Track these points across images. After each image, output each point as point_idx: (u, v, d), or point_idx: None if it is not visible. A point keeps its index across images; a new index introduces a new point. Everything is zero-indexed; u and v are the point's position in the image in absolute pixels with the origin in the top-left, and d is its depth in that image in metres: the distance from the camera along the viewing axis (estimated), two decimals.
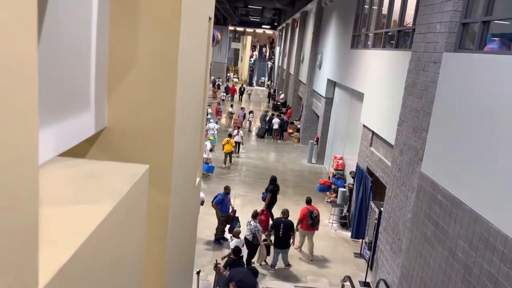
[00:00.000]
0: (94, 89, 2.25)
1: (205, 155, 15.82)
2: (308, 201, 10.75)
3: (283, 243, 9.64)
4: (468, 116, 5.87)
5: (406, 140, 7.97)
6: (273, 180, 12.19)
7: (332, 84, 17.80)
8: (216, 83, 39.36)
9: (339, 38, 16.56)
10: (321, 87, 19.20)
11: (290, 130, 24.23)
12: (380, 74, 10.86)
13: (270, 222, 10.72)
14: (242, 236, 9.55)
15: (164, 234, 2.53)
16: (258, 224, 9.63)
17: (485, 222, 5.15)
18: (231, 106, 27.35)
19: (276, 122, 23.02)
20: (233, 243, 9.25)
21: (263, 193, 12.41)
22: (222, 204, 10.71)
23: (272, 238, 9.99)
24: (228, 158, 17.38)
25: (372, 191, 10.43)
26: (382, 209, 9.28)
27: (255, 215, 9.80)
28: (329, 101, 18.01)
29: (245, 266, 9.57)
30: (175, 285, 3.30)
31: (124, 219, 1.47)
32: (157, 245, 2.57)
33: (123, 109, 2.49)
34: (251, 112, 25.44)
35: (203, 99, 4.04)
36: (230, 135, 18.16)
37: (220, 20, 44.48)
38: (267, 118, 23.97)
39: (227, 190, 11.08)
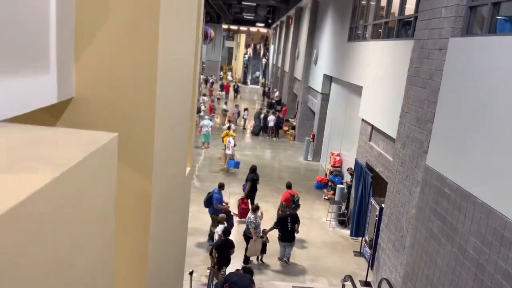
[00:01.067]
0: (54, 49, 1.82)
1: (229, 151, 15.92)
2: (289, 186, 11.25)
3: (291, 236, 9.52)
4: (479, 103, 5.49)
5: (409, 132, 7.59)
6: (253, 170, 12.16)
7: (328, 79, 17.43)
8: (210, 81, 38.89)
9: (336, 32, 16.20)
10: (317, 83, 18.83)
11: (285, 128, 23.84)
12: (379, 66, 10.48)
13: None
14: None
15: (146, 227, 2.11)
16: (253, 216, 9.33)
17: (500, 216, 4.77)
18: (225, 103, 26.92)
19: (271, 119, 22.61)
20: (219, 228, 9.04)
21: (243, 184, 12.40)
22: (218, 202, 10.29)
23: (269, 234, 9.60)
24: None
25: (372, 187, 10.05)
26: (383, 205, 8.90)
27: (255, 209, 9.59)
28: (326, 97, 17.63)
29: (243, 260, 9.33)
30: (163, 285, 2.88)
31: (73, 197, 1.05)
32: (139, 239, 2.15)
33: (93, 77, 2.06)
34: (246, 109, 25.02)
35: (193, 81, 3.61)
36: (229, 128, 18.36)
37: (214, 17, 44.01)
38: (262, 116, 23.58)
39: (222, 187, 10.66)
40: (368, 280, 8.98)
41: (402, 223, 7.66)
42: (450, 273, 5.76)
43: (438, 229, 6.23)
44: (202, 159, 17.56)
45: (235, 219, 11.15)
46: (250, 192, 11.76)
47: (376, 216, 9.19)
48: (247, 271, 7.21)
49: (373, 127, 10.69)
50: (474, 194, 5.32)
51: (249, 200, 11.70)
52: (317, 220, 12.26)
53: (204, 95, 28.49)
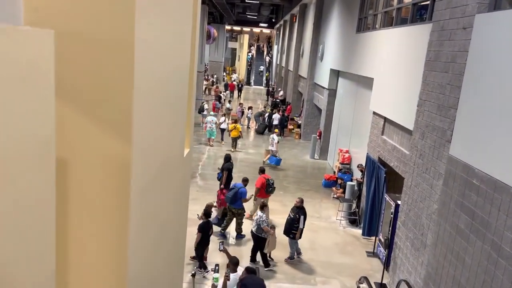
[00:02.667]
0: None
1: (273, 148, 16.22)
2: (262, 171, 11.41)
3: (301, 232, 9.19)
4: (511, 83, 4.91)
5: (429, 121, 7.01)
6: (228, 158, 11.95)
7: (335, 74, 16.86)
8: (211, 80, 38.46)
9: (343, 24, 15.63)
10: (323, 79, 18.26)
11: (290, 126, 23.25)
12: (391, 55, 9.91)
13: None
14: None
15: (125, 207, 1.55)
16: (263, 215, 8.78)
17: None
18: (229, 102, 26.39)
19: (276, 117, 22.04)
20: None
21: (218, 173, 12.10)
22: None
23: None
24: (234, 143, 18.27)
25: (386, 183, 9.45)
26: (399, 202, 8.30)
27: (262, 206, 9.05)
28: (332, 93, 17.06)
29: (250, 259, 8.84)
30: (154, 275, 2.32)
31: None
32: (115, 222, 1.59)
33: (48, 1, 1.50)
34: (250, 108, 24.48)
35: (190, 68, 3.07)
36: (235, 121, 18.95)
37: (217, 18, 43.53)
38: (266, 115, 23.03)
39: (246, 181, 10.48)
40: (383, 282, 8.37)
41: (422, 219, 7.06)
42: (482, 273, 5.15)
43: (465, 225, 5.63)
44: (206, 157, 17.02)
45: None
46: (227, 181, 11.52)
47: (391, 214, 8.59)
48: (251, 271, 6.60)
49: (385, 119, 10.10)
50: (510, 185, 4.73)
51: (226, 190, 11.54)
52: (327, 219, 11.67)
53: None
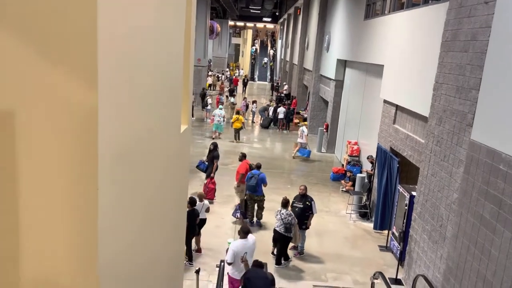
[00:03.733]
0: None
1: (302, 140, 16.10)
2: (244, 156, 11.11)
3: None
4: None
5: (447, 105, 6.56)
6: (216, 146, 11.84)
7: (342, 64, 16.39)
8: (216, 75, 38.10)
9: (350, 12, 15.15)
10: (329, 70, 17.79)
11: (296, 120, 22.79)
12: (403, 39, 9.45)
13: None
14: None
15: (92, 173, 1.15)
16: (291, 212, 8.34)
17: None
18: (233, 96, 25.97)
19: (281, 111, 21.59)
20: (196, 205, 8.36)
21: (201, 162, 11.79)
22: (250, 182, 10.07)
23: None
24: (237, 134, 18.33)
25: (399, 174, 9.01)
26: (414, 193, 7.87)
27: (285, 203, 8.41)
28: (339, 84, 16.59)
29: (276, 262, 8.41)
30: (139, 264, 1.91)
31: None
32: (79, 195, 1.19)
33: None
34: (254, 102, 24.06)
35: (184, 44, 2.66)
36: (238, 112, 18.96)
37: (220, 13, 43.05)
38: (271, 109, 22.61)
39: (260, 167, 10.43)
40: (398, 277, 7.94)
41: (440, 210, 6.62)
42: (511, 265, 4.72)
43: (491, 215, 5.19)
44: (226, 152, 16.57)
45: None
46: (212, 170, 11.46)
47: (406, 206, 8.15)
48: (259, 265, 6.22)
49: (397, 107, 9.65)
50: None
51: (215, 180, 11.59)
52: (336, 213, 11.24)
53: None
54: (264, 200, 10.17)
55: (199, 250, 8.46)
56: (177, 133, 2.34)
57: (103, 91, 1.15)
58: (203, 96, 23.95)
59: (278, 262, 8.34)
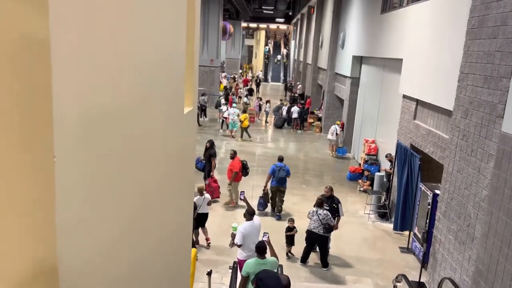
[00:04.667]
0: None
1: (333, 137, 16.04)
2: (235, 153, 11.01)
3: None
4: None
5: (473, 96, 6.14)
6: (212, 144, 11.68)
7: (358, 61, 15.97)
8: (233, 75, 37.95)
9: (366, 7, 14.74)
10: (345, 68, 17.38)
11: (310, 120, 22.38)
12: (423, 31, 9.03)
13: None
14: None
15: (46, 139, 0.85)
16: (327, 211, 7.99)
17: None
18: (246, 96, 25.70)
19: (295, 110, 21.19)
20: (196, 199, 8.15)
21: (200, 160, 11.32)
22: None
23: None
24: (245, 133, 18.24)
25: (421, 171, 8.58)
26: (437, 191, 7.44)
27: (321, 203, 8.08)
28: (355, 81, 16.17)
29: (303, 260, 8.18)
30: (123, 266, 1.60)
31: None
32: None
33: None
34: (267, 101, 23.73)
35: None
36: (244, 111, 19.50)
37: (233, 14, 42.90)
38: (284, 108, 22.23)
39: (282, 160, 10.61)
40: (421, 280, 7.52)
41: (468, 209, 6.20)
42: None
43: None
44: (223, 151, 16.33)
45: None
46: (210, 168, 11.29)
47: (429, 205, 7.73)
48: (260, 249, 5.83)
49: (418, 102, 9.23)
50: None
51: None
52: (354, 214, 10.83)
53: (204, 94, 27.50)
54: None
55: (196, 242, 8.29)
56: (181, 113, 2.03)
57: (54, 22, 0.84)
58: (226, 97, 23.86)
59: (325, 265, 7.98)
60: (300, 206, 10.87)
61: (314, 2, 26.69)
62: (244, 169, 10.85)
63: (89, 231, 1.24)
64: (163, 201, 1.94)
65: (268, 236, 6.09)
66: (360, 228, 10.02)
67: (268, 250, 5.93)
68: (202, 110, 21.24)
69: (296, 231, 8.34)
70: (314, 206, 8.10)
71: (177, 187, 2.19)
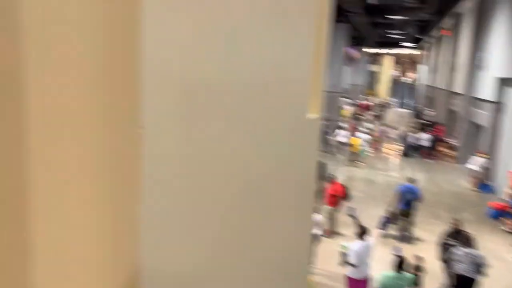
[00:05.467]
0: None
1: (476, 168, 14.61)
2: (333, 176, 10.42)
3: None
4: None
5: None
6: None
7: (502, 83, 14.16)
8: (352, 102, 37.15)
9: None
10: (485, 92, 15.57)
11: (441, 149, 20.41)
12: None
13: None
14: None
15: None
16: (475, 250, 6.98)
17: None
18: (370, 122, 24.75)
19: (425, 138, 19.57)
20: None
21: None
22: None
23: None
24: (354, 156, 17.71)
25: None
26: None
27: (468, 239, 7.15)
28: (499, 106, 14.30)
29: None
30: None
31: None
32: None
33: None
34: (394, 128, 22.44)
35: None
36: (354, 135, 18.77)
37: (358, 40, 42.32)
38: (411, 135, 20.69)
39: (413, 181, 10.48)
40: None
41: None
42: None
43: None
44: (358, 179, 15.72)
45: None
46: None
47: None
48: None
49: None
50: None
51: None
52: (496, 257, 9.30)
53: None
54: None
55: None
56: (303, 117, 1.75)
57: None
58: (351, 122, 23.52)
59: None
60: (427, 244, 9.75)
61: (448, 22, 24.81)
62: (348, 193, 10.42)
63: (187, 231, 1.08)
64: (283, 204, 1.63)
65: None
66: (507, 274, 8.54)
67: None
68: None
69: (425, 271, 7.37)
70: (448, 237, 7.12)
71: (299, 198, 1.89)
